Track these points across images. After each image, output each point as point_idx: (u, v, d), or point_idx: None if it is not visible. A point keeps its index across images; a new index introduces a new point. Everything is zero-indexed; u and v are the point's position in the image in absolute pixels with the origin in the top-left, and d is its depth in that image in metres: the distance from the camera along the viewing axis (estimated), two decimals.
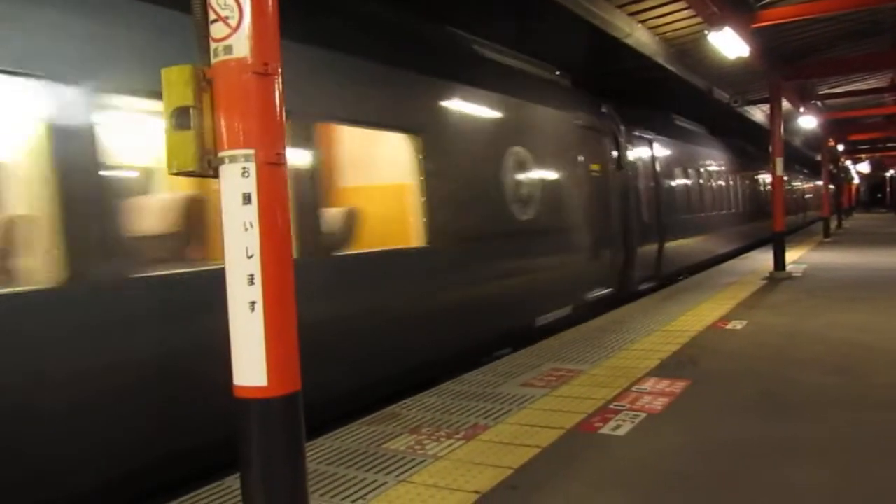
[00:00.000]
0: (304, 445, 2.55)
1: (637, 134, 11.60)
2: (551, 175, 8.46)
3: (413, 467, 3.77)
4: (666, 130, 13.60)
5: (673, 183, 13.35)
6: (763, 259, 14.42)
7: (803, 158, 35.43)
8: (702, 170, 15.45)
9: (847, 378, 5.31)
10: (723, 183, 17.34)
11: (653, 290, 11.18)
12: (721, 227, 16.78)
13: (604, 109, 10.44)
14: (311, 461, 3.85)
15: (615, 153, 10.50)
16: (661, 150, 12.72)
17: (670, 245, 12.58)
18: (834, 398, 4.80)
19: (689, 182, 14.35)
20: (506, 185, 7.34)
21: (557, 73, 10.09)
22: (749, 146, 22.14)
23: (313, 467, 3.78)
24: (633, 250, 10.73)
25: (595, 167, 9.73)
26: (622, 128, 10.79)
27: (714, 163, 16.79)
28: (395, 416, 4.74)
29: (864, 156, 41.27)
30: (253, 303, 2.35)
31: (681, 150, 14.26)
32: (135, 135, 4.95)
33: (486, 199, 7.06)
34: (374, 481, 3.60)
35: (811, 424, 4.28)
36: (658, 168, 12.41)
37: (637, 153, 11.51)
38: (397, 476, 3.66)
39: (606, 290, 9.77)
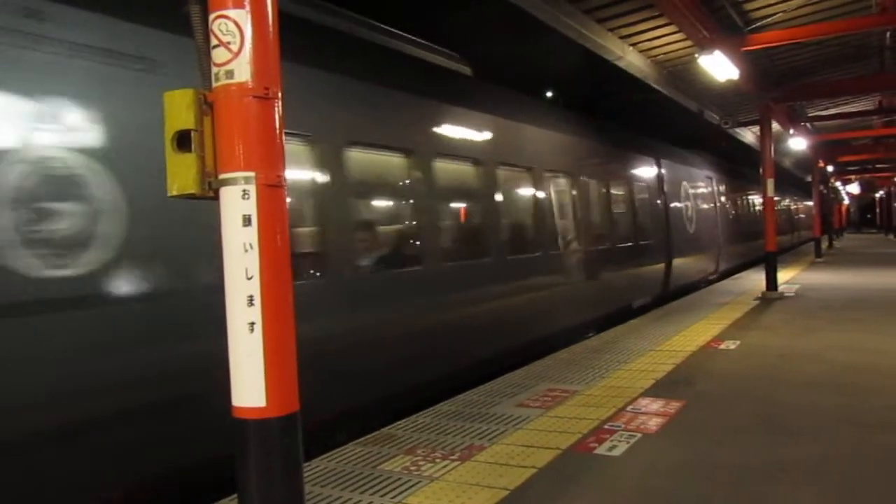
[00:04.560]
0: (302, 467, 2.55)
1: None
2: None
3: (409, 489, 3.76)
4: None
5: None
6: (756, 279, 14.49)
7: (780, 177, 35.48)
8: None
9: (842, 399, 5.32)
10: None
11: None
12: None
13: None
14: (306, 483, 3.83)
15: None
16: None
17: None
18: (829, 419, 4.82)
19: None
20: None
21: None
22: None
23: (308, 489, 3.77)
24: None
25: None
26: None
27: None
28: (390, 437, 4.74)
29: (853, 177, 41.63)
30: (252, 323, 2.37)
31: None
32: None
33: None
34: (369, 503, 3.59)
35: (806, 446, 4.30)
36: None
37: None
38: (393, 498, 3.65)
39: None
